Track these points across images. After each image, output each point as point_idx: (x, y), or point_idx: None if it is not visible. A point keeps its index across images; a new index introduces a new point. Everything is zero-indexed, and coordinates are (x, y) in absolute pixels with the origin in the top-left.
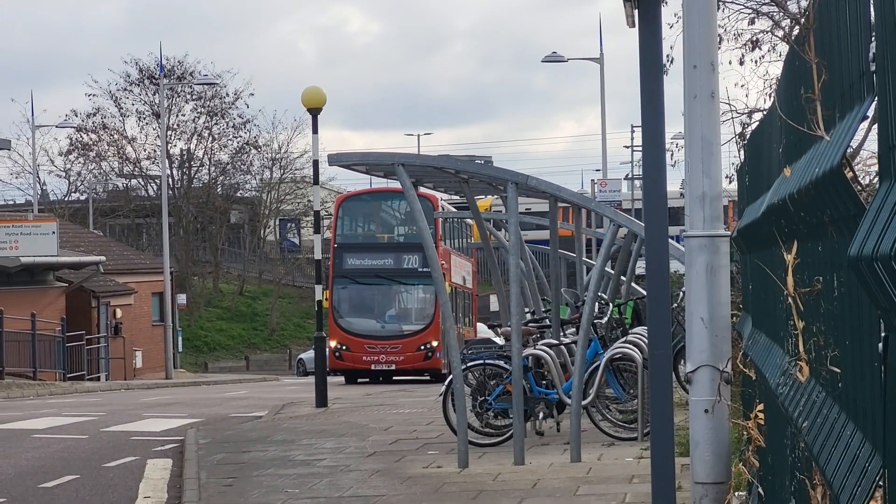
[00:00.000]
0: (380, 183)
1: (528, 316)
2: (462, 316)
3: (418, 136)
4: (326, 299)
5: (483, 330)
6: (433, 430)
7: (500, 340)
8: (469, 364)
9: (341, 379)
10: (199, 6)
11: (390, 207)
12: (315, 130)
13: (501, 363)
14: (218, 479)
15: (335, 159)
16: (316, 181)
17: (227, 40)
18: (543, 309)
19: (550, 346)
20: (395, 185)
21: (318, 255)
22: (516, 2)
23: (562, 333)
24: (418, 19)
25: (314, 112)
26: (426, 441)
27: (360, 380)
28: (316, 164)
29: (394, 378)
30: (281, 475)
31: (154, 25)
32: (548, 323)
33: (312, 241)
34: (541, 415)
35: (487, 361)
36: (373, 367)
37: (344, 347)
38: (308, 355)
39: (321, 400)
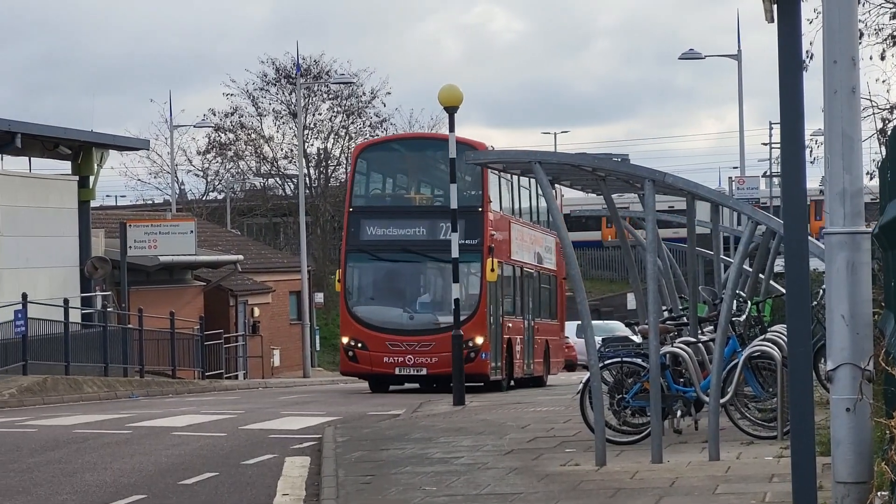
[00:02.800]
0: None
1: (666, 314)
2: (538, 305)
3: (555, 134)
4: (338, 280)
5: (572, 329)
6: (570, 428)
7: (637, 338)
8: (606, 362)
9: (363, 384)
10: (345, 6)
11: (425, 159)
12: (452, 129)
13: (639, 361)
14: (356, 476)
15: (473, 157)
16: (453, 180)
17: (370, 39)
18: (681, 307)
19: (688, 343)
20: (430, 131)
21: (455, 253)
22: None
23: (700, 331)
24: (562, 17)
25: (451, 110)
26: (563, 439)
27: (391, 387)
28: (453, 162)
29: (433, 384)
30: (418, 473)
31: (297, 25)
32: (685, 321)
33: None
34: (678, 413)
35: (625, 359)
36: (397, 370)
37: (359, 345)
38: None
39: (459, 398)
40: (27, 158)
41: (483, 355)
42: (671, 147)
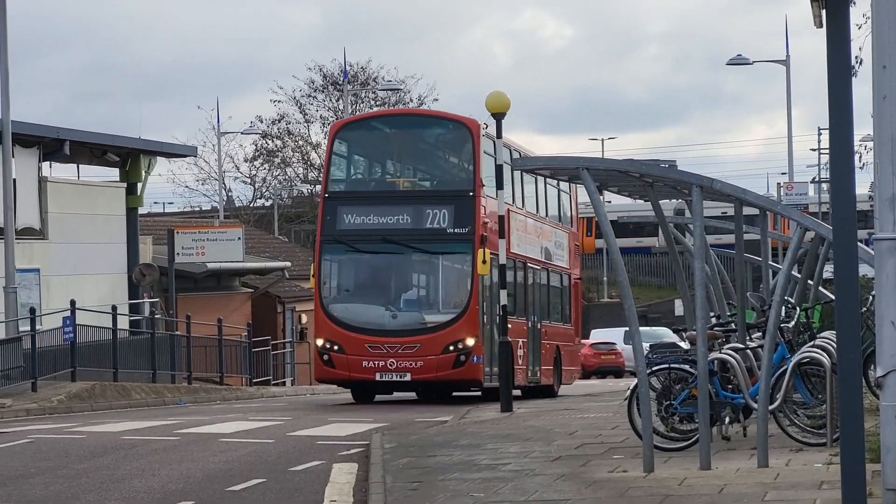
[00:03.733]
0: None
1: (714, 320)
2: (546, 306)
3: (602, 140)
4: (312, 275)
5: (602, 335)
6: (618, 435)
7: (685, 345)
8: (654, 368)
9: (345, 394)
10: (395, 13)
11: (410, 138)
12: (499, 135)
13: (687, 367)
14: (403, 483)
15: (520, 164)
16: (500, 186)
17: (419, 46)
18: (729, 313)
19: (736, 350)
20: (413, 106)
21: (502, 259)
22: (711, 4)
23: (748, 337)
24: (611, 23)
25: (498, 117)
26: (611, 445)
27: (377, 396)
28: (500, 168)
29: (423, 391)
30: (466, 479)
31: (345, 32)
32: (733, 327)
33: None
34: (727, 419)
35: (672, 365)
36: (377, 376)
37: (335, 348)
38: None
39: (506, 404)
40: (75, 165)
41: (475, 359)
42: (720, 153)
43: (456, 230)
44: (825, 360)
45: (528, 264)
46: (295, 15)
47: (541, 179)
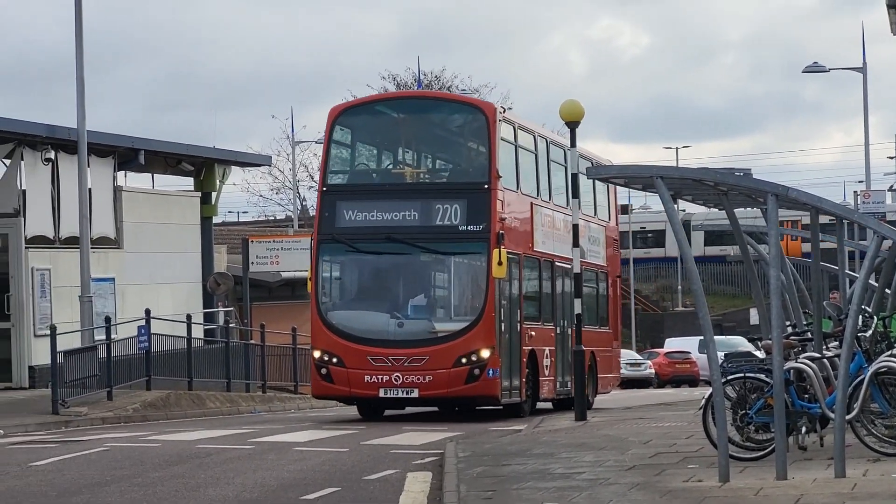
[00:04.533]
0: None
1: (790, 329)
2: (583, 308)
3: (676, 149)
4: (309, 278)
5: (676, 344)
6: (693, 444)
7: (760, 354)
8: (729, 377)
9: (349, 409)
10: (471, 22)
11: (418, 123)
12: (573, 144)
13: (762, 376)
14: (477, 491)
15: (594, 172)
16: (575, 194)
17: (495, 54)
18: (805, 322)
19: (812, 359)
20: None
21: (577, 268)
22: (789, 12)
23: (824, 347)
24: (688, 31)
25: (572, 125)
26: (686, 455)
27: (387, 411)
28: (574, 177)
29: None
30: (540, 488)
31: (421, 41)
32: (809, 336)
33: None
34: (803, 429)
35: (748, 374)
36: (381, 392)
37: (334, 360)
38: None
39: (580, 413)
40: (150, 175)
41: (490, 372)
42: (796, 161)
43: (469, 227)
44: None
45: (557, 263)
46: (372, 24)
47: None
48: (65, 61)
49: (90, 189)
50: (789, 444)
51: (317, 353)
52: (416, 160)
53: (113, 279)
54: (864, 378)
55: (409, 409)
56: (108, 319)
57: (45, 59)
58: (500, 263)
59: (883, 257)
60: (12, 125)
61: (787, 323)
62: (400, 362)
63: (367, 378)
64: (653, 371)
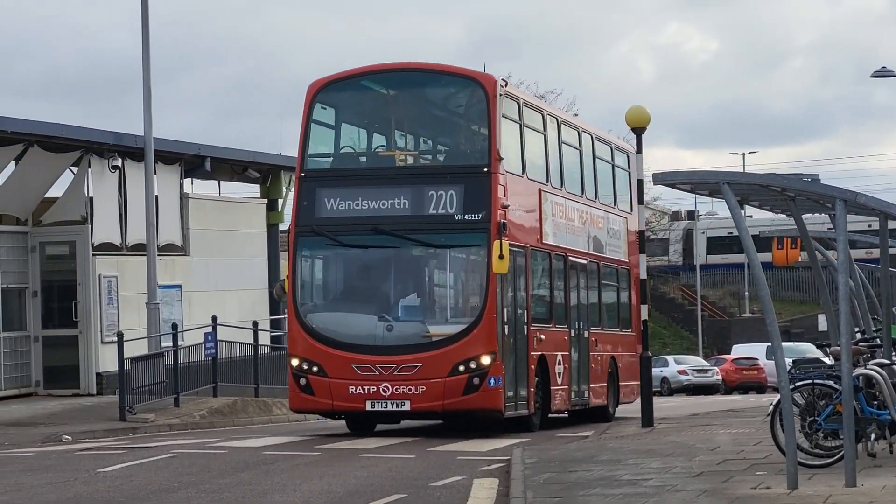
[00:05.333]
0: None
1: (858, 335)
2: (598, 310)
3: (743, 154)
4: (286, 276)
5: (744, 351)
6: (761, 451)
7: (829, 360)
8: (797, 384)
9: (337, 423)
10: (539, 28)
11: (409, 99)
12: (639, 150)
13: (831, 383)
14: (544, 498)
15: (660, 178)
16: (640, 201)
17: (562, 60)
18: (874, 328)
19: (882, 365)
20: (408, 60)
21: (643, 274)
22: (858, 16)
23: (894, 353)
24: (757, 36)
25: (638, 131)
26: (754, 461)
27: (379, 425)
28: (640, 183)
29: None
30: (607, 495)
31: (490, 47)
32: (879, 342)
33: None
34: (872, 436)
35: (816, 381)
36: (368, 405)
37: (314, 369)
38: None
39: (647, 419)
40: (217, 182)
41: (492, 381)
42: (866, 166)
43: (467, 216)
44: None
45: (570, 258)
46: (439, 31)
47: (587, 152)
48: (132, 69)
49: (157, 196)
50: (858, 451)
51: (294, 362)
52: (408, 141)
53: (179, 286)
54: None
55: (405, 423)
56: (174, 326)
57: (112, 67)
58: (501, 257)
59: None
60: (80, 133)
61: (856, 329)
62: (389, 371)
63: (351, 389)
64: (720, 377)
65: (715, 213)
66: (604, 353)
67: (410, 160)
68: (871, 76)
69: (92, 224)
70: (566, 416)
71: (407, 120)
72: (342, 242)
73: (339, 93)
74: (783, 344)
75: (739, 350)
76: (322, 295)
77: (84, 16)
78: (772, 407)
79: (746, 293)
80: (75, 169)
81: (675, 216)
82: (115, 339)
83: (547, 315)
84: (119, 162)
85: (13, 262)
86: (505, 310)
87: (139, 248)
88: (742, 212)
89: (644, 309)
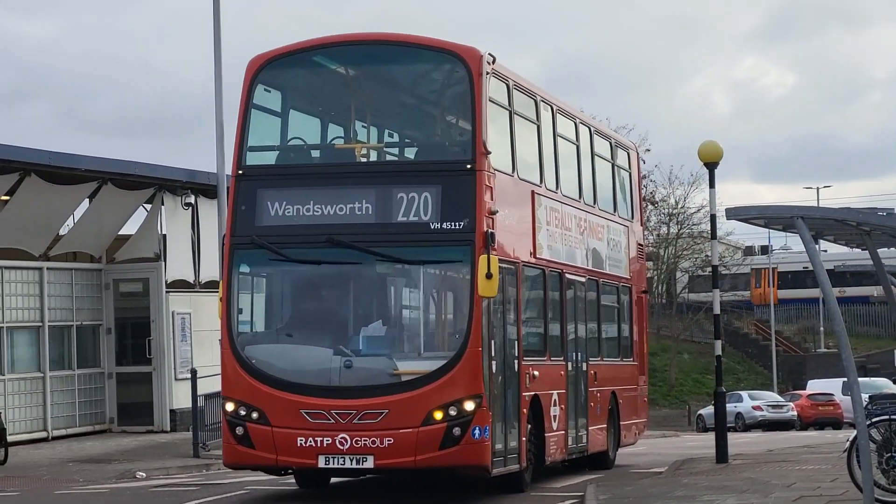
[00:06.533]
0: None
1: None
2: (597, 338)
3: (817, 188)
4: (220, 298)
5: (819, 386)
6: (838, 487)
7: None
8: (874, 420)
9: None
10: (613, 63)
11: (370, 79)
12: (712, 185)
13: None
14: None
15: (733, 213)
16: (713, 236)
17: (637, 96)
18: None
19: None
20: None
21: (716, 310)
22: None
23: None
24: (834, 70)
25: (711, 166)
26: (830, 498)
27: (334, 480)
28: (713, 218)
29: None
30: None
31: (564, 82)
32: None
33: (711, 297)
34: None
35: (893, 417)
36: (321, 461)
37: (254, 415)
38: (707, 411)
39: (721, 455)
40: None
41: (476, 432)
42: None
43: (446, 225)
44: None
45: (567, 275)
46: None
47: (585, 149)
48: (205, 106)
49: None
50: None
51: (229, 406)
52: (371, 132)
53: None
54: None
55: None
56: None
57: (185, 104)
58: (489, 276)
59: None
60: (153, 170)
61: None
62: (347, 418)
63: (300, 441)
64: (795, 413)
65: (789, 247)
66: (604, 389)
67: (375, 155)
68: None
69: (165, 261)
70: (564, 463)
71: (371, 105)
72: (289, 257)
73: (286, 71)
74: (859, 379)
75: (815, 385)
76: (264, 322)
77: (158, 53)
78: (848, 443)
79: (822, 328)
80: (148, 206)
81: (749, 251)
82: (189, 375)
83: (541, 346)
84: (192, 199)
85: (87, 298)
86: (492, 342)
87: (212, 285)
88: (816, 246)
89: (717, 344)
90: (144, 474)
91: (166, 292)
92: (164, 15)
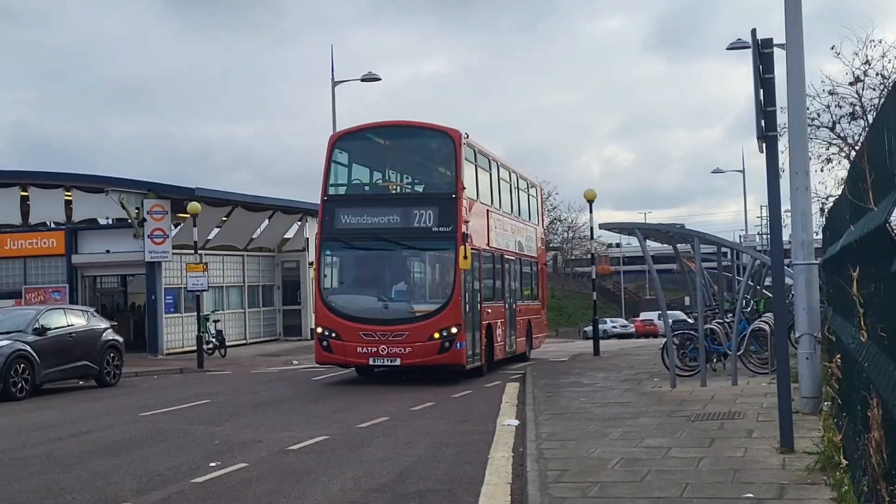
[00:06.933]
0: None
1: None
2: (520, 289)
3: (645, 213)
4: (314, 268)
5: (647, 316)
6: (656, 368)
7: (691, 320)
8: (675, 332)
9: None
10: (538, 149)
11: (399, 147)
12: (591, 211)
13: (692, 332)
14: (542, 392)
15: (603, 226)
16: (591, 237)
17: (553, 165)
18: (716, 304)
19: (720, 323)
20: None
21: (593, 276)
22: None
23: (725, 317)
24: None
25: (591, 201)
26: (653, 373)
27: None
28: (591, 229)
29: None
30: (576, 391)
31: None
32: (717, 311)
33: (590, 270)
34: (715, 360)
35: (685, 331)
36: (370, 361)
37: (333, 335)
38: (588, 328)
39: (596, 352)
40: None
41: (458, 345)
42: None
43: (440, 229)
44: (767, 328)
45: (505, 256)
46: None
47: (514, 183)
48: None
49: None
50: (707, 368)
51: (319, 329)
52: (398, 175)
53: None
54: (746, 333)
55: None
56: None
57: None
58: (465, 257)
59: (756, 269)
60: (301, 205)
61: (707, 305)
62: (385, 337)
63: (359, 349)
64: (634, 329)
65: (629, 243)
66: (523, 318)
67: (400, 189)
68: (712, 172)
69: (307, 251)
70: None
71: (397, 161)
72: (353, 245)
73: (350, 141)
74: (667, 312)
75: (644, 315)
76: (338, 282)
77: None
78: (662, 345)
79: (647, 285)
80: (299, 223)
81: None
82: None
83: (491, 295)
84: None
85: (267, 271)
86: (466, 294)
87: None
88: (645, 244)
89: (594, 294)
90: (297, 362)
91: (308, 266)
92: (308, 119)
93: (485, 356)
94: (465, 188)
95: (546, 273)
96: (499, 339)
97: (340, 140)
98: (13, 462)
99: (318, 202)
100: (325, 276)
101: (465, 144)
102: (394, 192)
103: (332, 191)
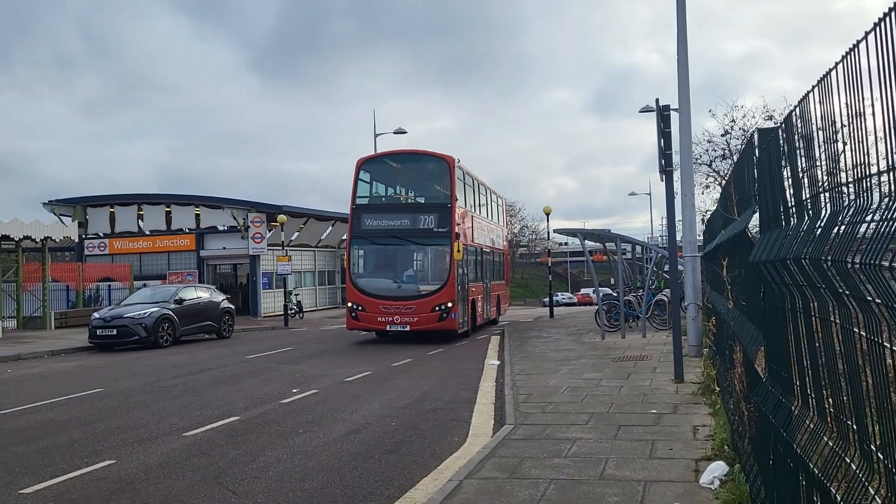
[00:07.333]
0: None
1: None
2: (492, 273)
3: (584, 222)
4: (345, 259)
5: (585, 291)
6: (591, 326)
7: (615, 294)
8: (604, 302)
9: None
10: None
11: (409, 169)
12: (547, 222)
13: (616, 301)
14: (516, 342)
15: (556, 231)
16: (548, 237)
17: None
18: (631, 283)
19: (635, 296)
20: (414, 146)
21: (548, 265)
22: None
23: (638, 292)
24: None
25: (548, 215)
26: (589, 329)
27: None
28: (548, 234)
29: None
30: (537, 342)
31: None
32: (632, 288)
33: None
34: (631, 320)
35: (611, 301)
36: (388, 327)
37: (360, 308)
38: (545, 300)
39: (551, 315)
40: None
41: (453, 315)
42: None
43: (439, 229)
44: (666, 299)
45: (483, 249)
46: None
47: (489, 196)
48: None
49: None
50: (626, 326)
51: (350, 304)
52: (407, 190)
53: None
54: (652, 302)
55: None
56: None
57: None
58: (458, 251)
59: (659, 258)
60: (331, 215)
61: (627, 284)
62: (399, 309)
63: (379, 318)
64: (577, 300)
65: (575, 242)
66: (494, 293)
67: (409, 200)
68: (629, 195)
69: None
70: (491, 324)
71: (407, 180)
72: (375, 242)
73: (372, 165)
74: (599, 288)
75: (583, 290)
76: (363, 269)
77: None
78: (595, 311)
79: (585, 270)
80: (331, 227)
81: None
82: None
83: (474, 277)
84: None
85: (330, 260)
86: (458, 277)
87: None
88: (584, 243)
89: (550, 277)
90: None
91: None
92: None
93: (470, 322)
94: (457, 199)
95: (510, 261)
96: (479, 310)
97: (365, 164)
98: (161, 389)
99: (349, 210)
100: (354, 264)
101: (458, 167)
102: (404, 202)
103: (358, 201)
